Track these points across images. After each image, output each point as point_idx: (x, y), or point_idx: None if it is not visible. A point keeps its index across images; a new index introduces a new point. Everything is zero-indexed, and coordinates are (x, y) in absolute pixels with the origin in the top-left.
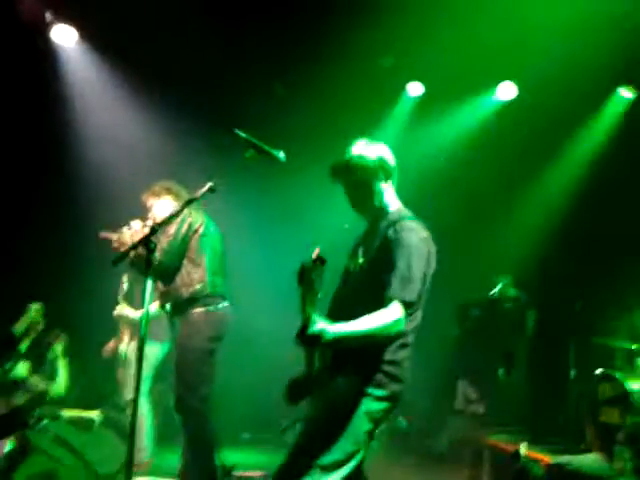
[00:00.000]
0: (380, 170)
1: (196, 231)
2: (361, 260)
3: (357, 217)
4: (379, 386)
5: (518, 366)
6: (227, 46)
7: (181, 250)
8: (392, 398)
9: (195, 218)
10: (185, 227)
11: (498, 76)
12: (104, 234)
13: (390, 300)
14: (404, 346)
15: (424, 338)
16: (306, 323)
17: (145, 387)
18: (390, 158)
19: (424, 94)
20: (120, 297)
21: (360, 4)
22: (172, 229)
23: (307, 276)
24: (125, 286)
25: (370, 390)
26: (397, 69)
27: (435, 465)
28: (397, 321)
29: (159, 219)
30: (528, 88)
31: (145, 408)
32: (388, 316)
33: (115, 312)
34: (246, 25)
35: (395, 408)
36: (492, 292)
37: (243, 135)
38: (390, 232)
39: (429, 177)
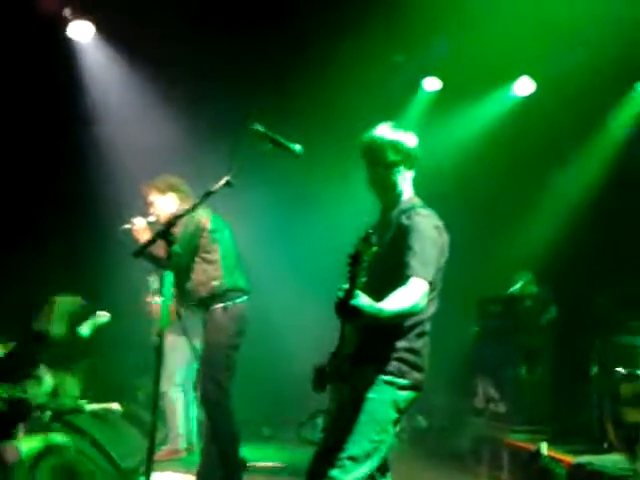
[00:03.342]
0: (404, 157)
1: (203, 228)
2: (374, 248)
3: (376, 210)
4: (402, 375)
5: (540, 364)
6: (243, 41)
7: (189, 248)
8: (415, 387)
9: (201, 215)
10: (192, 225)
11: (516, 71)
12: (125, 226)
13: (406, 277)
14: (422, 334)
15: (444, 335)
16: (349, 294)
17: (179, 378)
18: (415, 147)
19: (441, 89)
20: (151, 293)
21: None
22: (177, 229)
23: (360, 259)
24: (155, 283)
25: (394, 379)
26: (413, 64)
27: (455, 464)
28: (423, 296)
29: (165, 215)
30: (546, 84)
31: (178, 397)
32: (415, 292)
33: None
34: (264, 21)
35: (418, 397)
36: (512, 289)
37: (260, 129)
38: (404, 219)
39: (447, 172)
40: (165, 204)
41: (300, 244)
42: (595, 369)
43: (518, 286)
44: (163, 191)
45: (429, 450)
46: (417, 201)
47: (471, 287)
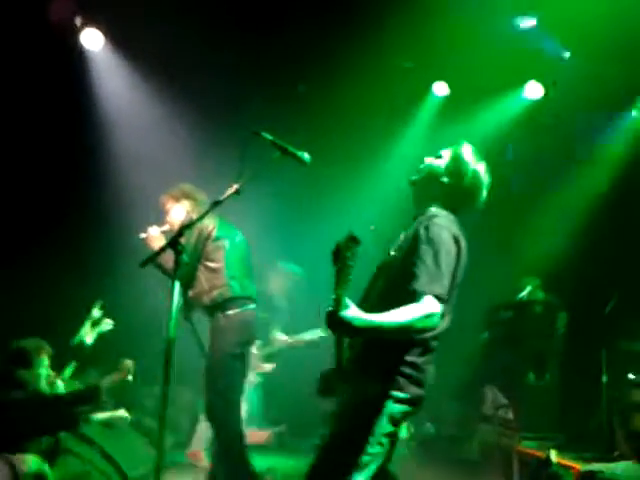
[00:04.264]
0: (473, 195)
1: (208, 236)
2: (392, 254)
3: (382, 218)
4: (400, 389)
5: (549, 371)
6: (253, 49)
7: (193, 257)
8: (412, 401)
9: (205, 223)
10: (195, 233)
11: (525, 75)
12: (141, 235)
13: (419, 294)
14: (427, 350)
15: (452, 342)
16: (337, 305)
17: None
18: (484, 197)
19: (450, 94)
20: None
21: (383, 5)
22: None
23: (341, 255)
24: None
25: (392, 392)
26: (422, 69)
27: (465, 471)
28: (429, 315)
29: (178, 223)
30: (557, 86)
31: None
32: (420, 309)
33: None
34: (271, 29)
35: (415, 412)
36: (520, 295)
37: (269, 137)
38: (421, 228)
39: None
40: (179, 212)
41: (307, 251)
42: (605, 376)
43: (526, 292)
44: (177, 199)
45: (437, 457)
46: (441, 212)
47: (480, 294)
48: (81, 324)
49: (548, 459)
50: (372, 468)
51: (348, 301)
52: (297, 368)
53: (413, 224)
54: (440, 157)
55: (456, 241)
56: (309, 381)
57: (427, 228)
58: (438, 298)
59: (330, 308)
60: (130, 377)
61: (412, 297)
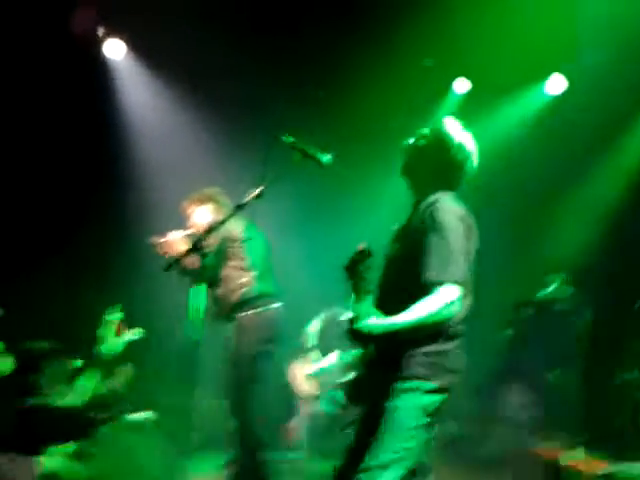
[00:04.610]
0: (462, 165)
1: (234, 238)
2: (398, 245)
3: (403, 217)
4: (428, 379)
5: (571, 369)
6: (273, 53)
7: (218, 258)
8: (443, 390)
9: (231, 225)
10: (221, 235)
11: (547, 69)
12: (154, 239)
13: (432, 284)
14: (452, 336)
15: (474, 340)
16: (354, 319)
17: None
18: (474, 166)
19: (471, 90)
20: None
21: (400, 5)
22: (211, 241)
23: (355, 268)
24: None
25: (419, 384)
26: (442, 67)
27: (483, 471)
28: (449, 304)
29: (201, 226)
30: (579, 81)
31: None
32: (438, 301)
33: None
34: (290, 32)
35: (448, 400)
36: (545, 292)
37: (289, 140)
38: (426, 215)
39: (478, 174)
40: (202, 216)
41: (331, 256)
42: (628, 375)
43: (550, 289)
44: (201, 202)
45: (457, 456)
46: (444, 195)
47: (502, 292)
48: (99, 329)
49: (560, 462)
50: (408, 463)
51: (366, 311)
52: None
53: (416, 212)
54: (422, 136)
55: (463, 220)
56: None
57: (432, 214)
58: (455, 283)
59: (350, 323)
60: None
61: (427, 287)
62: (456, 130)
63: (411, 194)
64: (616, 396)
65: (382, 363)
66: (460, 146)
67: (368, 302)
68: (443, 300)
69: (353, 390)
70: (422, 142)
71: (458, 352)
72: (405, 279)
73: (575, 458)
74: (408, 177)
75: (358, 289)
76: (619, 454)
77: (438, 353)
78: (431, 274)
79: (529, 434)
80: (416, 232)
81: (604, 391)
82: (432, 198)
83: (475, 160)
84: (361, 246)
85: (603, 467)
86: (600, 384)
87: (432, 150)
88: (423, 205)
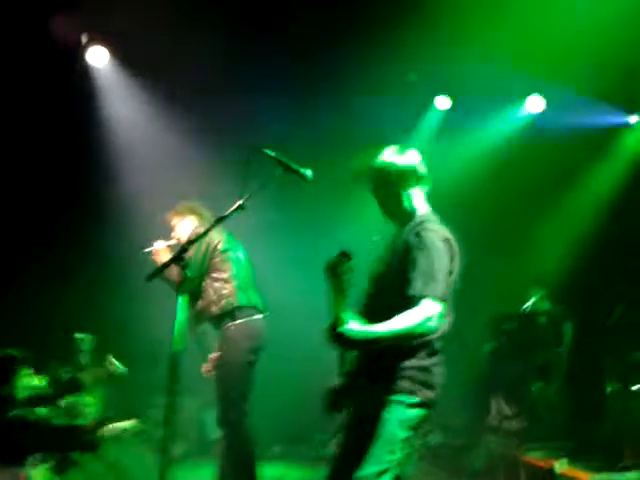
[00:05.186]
0: (410, 176)
1: (215, 249)
2: (384, 264)
3: (386, 228)
4: (410, 393)
5: (554, 381)
6: (257, 63)
7: (200, 270)
8: (425, 405)
9: (213, 236)
10: (203, 247)
11: (526, 89)
12: (147, 249)
13: (415, 298)
14: (433, 353)
15: (457, 352)
16: (335, 321)
17: None
18: (421, 163)
19: (452, 107)
20: None
21: (385, 20)
22: (192, 250)
23: (334, 271)
24: None
25: (401, 398)
26: (425, 83)
27: None
28: (429, 318)
29: (184, 238)
30: (556, 101)
31: None
32: (419, 314)
33: None
34: (274, 42)
35: (431, 415)
36: (525, 306)
37: (272, 154)
38: (412, 235)
39: (460, 191)
40: (184, 227)
41: (312, 263)
42: (610, 386)
43: (530, 303)
44: (182, 214)
45: (443, 466)
46: (430, 216)
47: (483, 305)
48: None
49: (552, 471)
50: (393, 474)
51: (346, 315)
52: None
53: (401, 232)
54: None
55: (446, 242)
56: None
57: (418, 234)
58: (436, 299)
59: (329, 325)
60: (117, 371)
61: (409, 303)
62: (387, 156)
63: (391, 222)
64: (599, 407)
65: (367, 374)
66: (395, 167)
67: (346, 304)
68: (424, 314)
69: (334, 397)
70: (370, 186)
71: (439, 368)
72: (389, 295)
73: (569, 466)
74: (385, 215)
75: (337, 290)
76: (603, 464)
77: (421, 368)
78: (414, 289)
79: (515, 444)
80: (401, 251)
81: (587, 402)
82: (417, 219)
83: (423, 167)
84: (342, 249)
85: (594, 476)
86: (583, 395)
87: (380, 187)
88: (408, 227)
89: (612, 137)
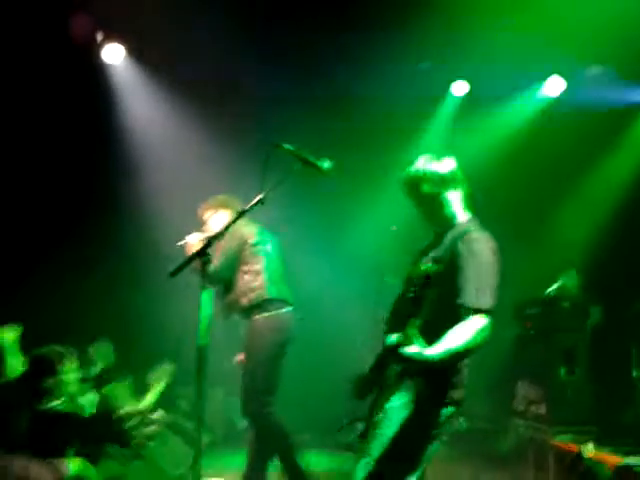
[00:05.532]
0: (448, 182)
1: (246, 242)
2: (427, 269)
3: (403, 218)
4: (444, 392)
5: (579, 365)
6: (274, 58)
7: (231, 262)
8: (454, 403)
9: (245, 230)
10: (235, 240)
11: (545, 71)
12: (181, 242)
13: (468, 311)
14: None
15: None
16: (402, 342)
17: None
18: (452, 170)
19: (469, 93)
20: None
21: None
22: (224, 242)
23: (415, 283)
24: None
25: (438, 397)
26: (440, 69)
27: (499, 467)
28: (481, 330)
29: (213, 232)
30: (576, 83)
31: None
32: (472, 328)
33: None
34: (290, 34)
35: (459, 412)
36: (550, 289)
37: (289, 148)
38: (459, 244)
39: (481, 176)
40: (217, 220)
41: (336, 254)
42: (637, 371)
43: (556, 286)
44: (215, 208)
45: (470, 452)
46: (472, 223)
47: (506, 291)
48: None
49: (580, 454)
50: (420, 468)
51: (414, 339)
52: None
53: (442, 239)
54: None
55: (494, 254)
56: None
57: (467, 243)
58: (487, 312)
59: (394, 342)
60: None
61: (460, 313)
62: (422, 164)
63: (430, 227)
64: (626, 391)
65: (404, 373)
66: (430, 174)
67: (416, 326)
68: (477, 327)
69: (363, 385)
70: (409, 192)
71: (466, 369)
72: (434, 305)
73: (597, 450)
74: (425, 220)
75: (417, 309)
76: (631, 449)
77: (453, 369)
78: (469, 300)
79: (543, 428)
80: (448, 261)
81: (614, 386)
82: (461, 226)
83: (460, 173)
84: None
85: (622, 459)
86: (610, 379)
87: (415, 194)
88: (451, 233)
89: (632, 119)
